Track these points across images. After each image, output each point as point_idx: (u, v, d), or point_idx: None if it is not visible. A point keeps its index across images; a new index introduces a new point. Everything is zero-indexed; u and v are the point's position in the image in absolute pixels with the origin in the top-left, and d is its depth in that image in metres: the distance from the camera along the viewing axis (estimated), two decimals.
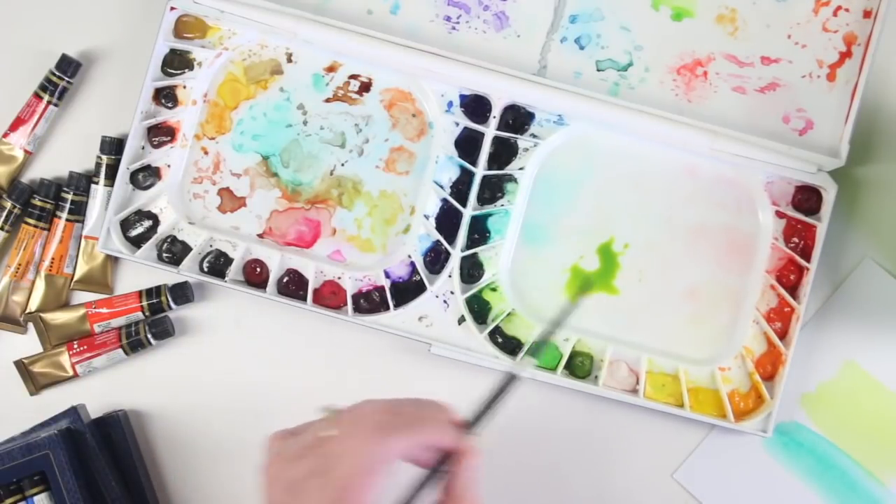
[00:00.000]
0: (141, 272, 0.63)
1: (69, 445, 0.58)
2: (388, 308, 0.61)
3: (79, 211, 0.62)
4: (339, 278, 0.61)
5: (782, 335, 0.61)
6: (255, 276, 0.61)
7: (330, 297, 0.61)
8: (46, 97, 0.62)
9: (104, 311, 0.62)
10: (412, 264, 0.61)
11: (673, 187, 0.62)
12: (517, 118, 0.62)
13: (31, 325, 0.63)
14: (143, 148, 0.62)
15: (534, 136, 0.62)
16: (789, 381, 0.60)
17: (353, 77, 0.62)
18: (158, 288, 0.62)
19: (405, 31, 0.62)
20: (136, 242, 0.62)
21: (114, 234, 0.61)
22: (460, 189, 0.62)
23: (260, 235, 0.62)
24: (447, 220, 0.62)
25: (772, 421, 0.60)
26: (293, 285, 0.61)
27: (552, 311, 0.57)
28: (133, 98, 0.61)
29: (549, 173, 0.62)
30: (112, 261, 0.63)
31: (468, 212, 0.61)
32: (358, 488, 0.41)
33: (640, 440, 0.62)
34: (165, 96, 0.62)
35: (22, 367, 0.62)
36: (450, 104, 0.62)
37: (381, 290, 0.61)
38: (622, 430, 0.62)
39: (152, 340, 0.61)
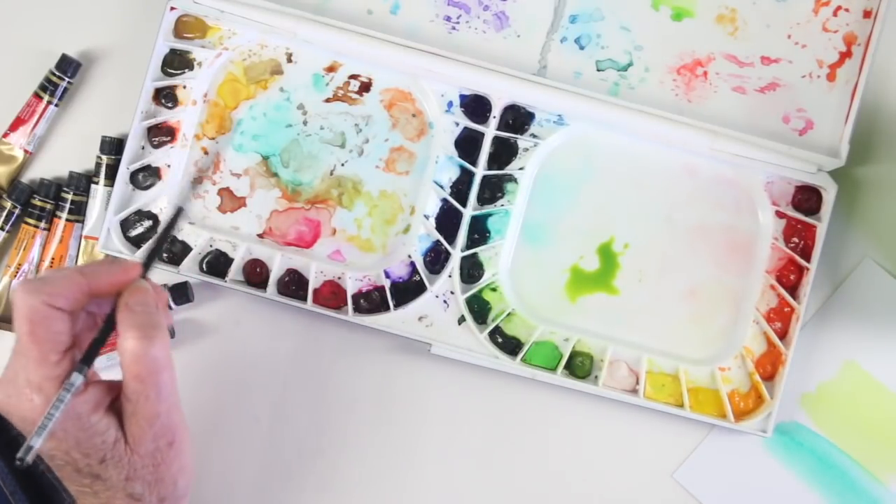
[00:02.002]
0: None
1: None
2: (388, 308, 0.61)
3: (79, 211, 0.62)
4: (339, 278, 0.61)
5: (782, 335, 0.61)
6: (255, 276, 0.61)
7: (330, 297, 0.61)
8: (46, 97, 0.62)
9: None
10: (412, 264, 0.62)
11: (673, 187, 0.62)
12: (517, 118, 0.62)
13: None
14: (143, 148, 0.62)
15: (534, 136, 0.62)
16: (789, 381, 0.60)
17: (353, 77, 0.62)
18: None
19: (405, 31, 0.62)
20: (136, 242, 0.62)
21: (114, 234, 0.61)
22: (460, 189, 0.62)
23: (260, 235, 0.62)
24: (447, 220, 0.62)
25: (772, 421, 0.60)
26: (293, 285, 0.61)
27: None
28: (133, 98, 0.61)
29: (549, 173, 0.62)
30: None
31: (468, 212, 0.61)
32: (28, 336, 0.44)
33: (640, 440, 0.62)
34: (165, 96, 0.62)
35: None
36: (450, 104, 0.62)
37: (381, 290, 0.61)
38: (622, 430, 0.62)
39: None
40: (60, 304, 0.45)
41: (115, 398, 0.47)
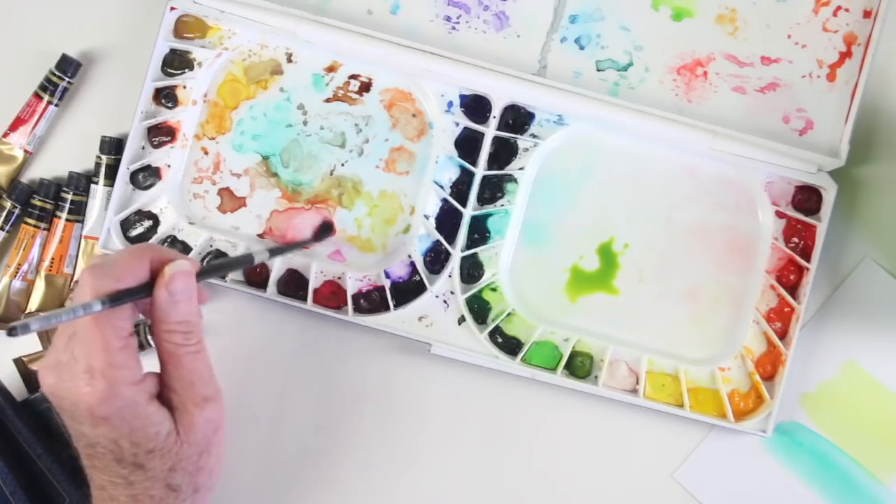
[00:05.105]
0: None
1: None
2: (388, 308, 0.61)
3: (79, 211, 0.62)
4: (339, 278, 0.61)
5: (782, 335, 0.61)
6: (255, 276, 0.61)
7: (330, 297, 0.61)
8: (46, 97, 0.62)
9: None
10: (412, 264, 0.61)
11: (673, 187, 0.62)
12: (517, 118, 0.62)
13: None
14: (143, 148, 0.62)
15: (534, 136, 0.62)
16: (789, 381, 0.60)
17: (353, 77, 0.62)
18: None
19: (405, 31, 0.62)
20: (136, 242, 0.62)
21: (114, 234, 0.61)
22: (460, 189, 0.62)
23: (260, 235, 0.62)
24: (447, 220, 0.62)
25: (772, 421, 0.60)
26: (293, 285, 0.61)
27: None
28: (133, 98, 0.61)
29: (549, 173, 0.62)
30: None
31: (468, 212, 0.61)
32: (93, 321, 0.44)
33: (640, 440, 0.62)
34: (165, 96, 0.62)
35: (21, 364, 0.62)
36: (450, 104, 0.62)
37: (381, 290, 0.61)
38: (622, 430, 0.62)
39: (152, 342, 0.61)
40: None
41: (160, 391, 0.47)
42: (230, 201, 0.62)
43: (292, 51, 0.62)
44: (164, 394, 0.47)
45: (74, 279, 0.63)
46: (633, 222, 0.62)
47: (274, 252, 0.55)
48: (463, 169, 0.62)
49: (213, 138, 0.62)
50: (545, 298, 0.62)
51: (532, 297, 0.62)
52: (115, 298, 0.44)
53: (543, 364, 0.61)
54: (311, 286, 0.61)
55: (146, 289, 0.46)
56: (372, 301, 0.61)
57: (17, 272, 0.62)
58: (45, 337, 0.62)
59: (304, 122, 0.62)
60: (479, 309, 0.62)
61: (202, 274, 0.49)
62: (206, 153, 0.62)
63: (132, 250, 0.47)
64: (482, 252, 0.62)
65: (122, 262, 0.46)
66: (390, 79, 0.62)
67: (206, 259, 0.61)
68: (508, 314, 0.61)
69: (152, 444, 0.45)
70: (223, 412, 0.48)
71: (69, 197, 0.62)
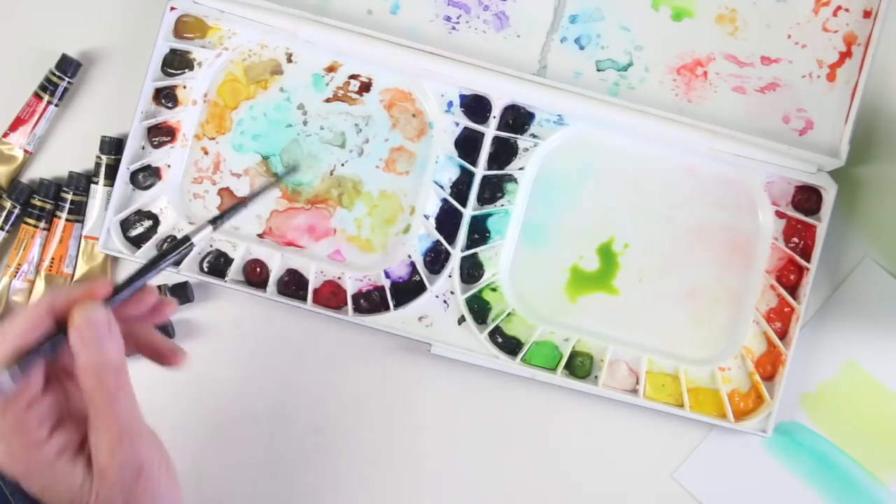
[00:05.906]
0: None
1: None
2: (388, 308, 0.61)
3: (79, 211, 0.62)
4: (339, 278, 0.61)
5: (782, 335, 0.61)
6: (255, 276, 0.61)
7: (330, 297, 0.61)
8: (46, 97, 0.62)
9: None
10: (412, 264, 0.61)
11: (673, 187, 0.62)
12: (517, 118, 0.62)
13: None
14: (143, 148, 0.62)
15: (534, 136, 0.62)
16: (789, 381, 0.60)
17: (353, 77, 0.62)
18: (159, 288, 0.62)
19: (405, 31, 0.62)
20: (137, 242, 0.62)
21: (114, 234, 0.61)
22: (460, 189, 0.62)
23: (260, 235, 0.62)
24: (447, 220, 0.62)
25: (772, 421, 0.60)
26: (293, 285, 0.61)
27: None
28: (133, 98, 0.61)
29: (549, 173, 0.62)
30: (112, 261, 0.63)
31: (468, 212, 0.61)
32: None
33: (640, 440, 0.62)
34: (165, 96, 0.62)
35: None
36: (450, 104, 0.62)
37: (381, 290, 0.61)
38: (622, 430, 0.62)
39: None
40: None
41: (85, 436, 0.44)
42: (230, 201, 0.62)
43: (292, 51, 0.62)
44: (90, 435, 0.44)
45: (74, 279, 0.63)
46: (633, 222, 0.62)
47: (216, 221, 0.50)
48: (463, 169, 0.62)
49: (213, 138, 0.62)
50: (545, 298, 0.62)
51: (532, 297, 0.62)
52: (24, 362, 0.42)
53: (543, 364, 0.61)
54: (311, 286, 0.61)
55: (56, 339, 0.43)
56: (372, 301, 0.61)
57: (17, 272, 0.62)
58: None
59: (304, 122, 0.62)
60: (479, 309, 0.62)
61: (135, 277, 0.46)
62: (206, 153, 0.62)
63: (29, 307, 0.45)
64: (482, 252, 0.62)
65: (19, 321, 0.44)
66: (390, 79, 0.62)
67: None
68: (508, 314, 0.61)
69: (67, 497, 0.43)
70: (149, 454, 0.45)
71: (69, 197, 0.62)
